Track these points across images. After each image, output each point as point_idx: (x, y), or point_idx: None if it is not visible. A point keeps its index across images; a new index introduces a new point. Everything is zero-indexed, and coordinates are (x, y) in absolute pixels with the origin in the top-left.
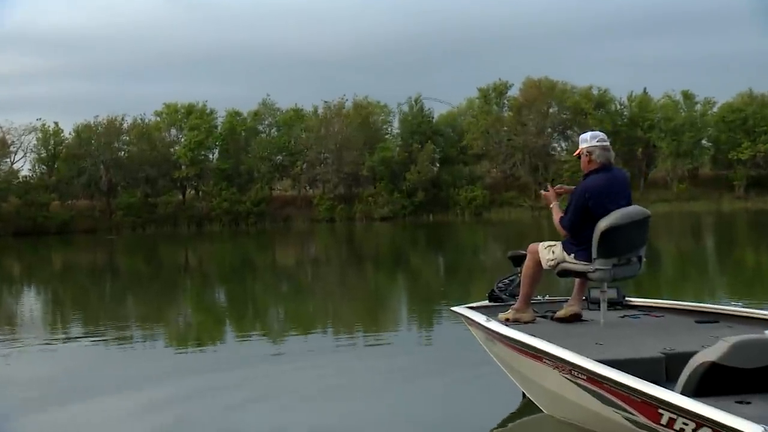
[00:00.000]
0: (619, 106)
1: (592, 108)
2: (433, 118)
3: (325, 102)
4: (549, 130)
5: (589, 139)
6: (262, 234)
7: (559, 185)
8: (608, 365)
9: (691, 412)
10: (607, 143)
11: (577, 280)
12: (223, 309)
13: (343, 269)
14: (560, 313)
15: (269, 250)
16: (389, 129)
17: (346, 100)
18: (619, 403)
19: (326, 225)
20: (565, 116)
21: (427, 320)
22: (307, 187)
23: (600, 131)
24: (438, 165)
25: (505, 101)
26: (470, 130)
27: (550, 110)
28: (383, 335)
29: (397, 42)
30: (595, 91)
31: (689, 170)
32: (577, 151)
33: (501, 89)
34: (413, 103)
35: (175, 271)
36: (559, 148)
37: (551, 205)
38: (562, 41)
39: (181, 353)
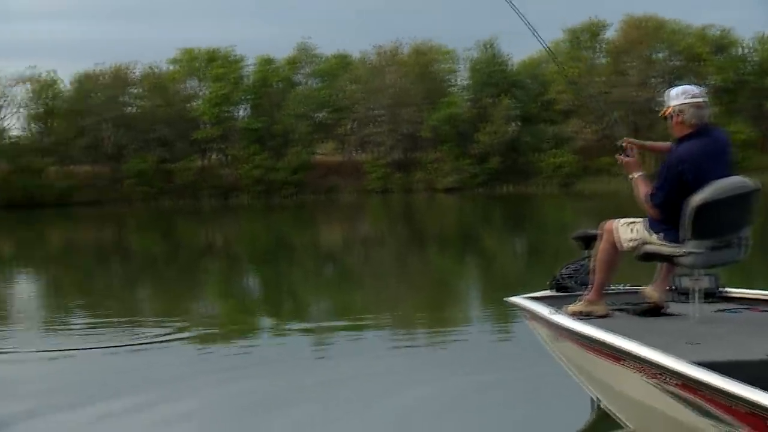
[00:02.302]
0: (745, 50)
1: (710, 52)
2: (510, 65)
3: (377, 47)
4: (654, 80)
5: (678, 96)
6: (300, 208)
7: (628, 139)
8: (705, 368)
9: None
10: (702, 99)
11: (663, 265)
12: (254, 300)
13: (400, 252)
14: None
15: (309, 227)
16: (456, 80)
17: (403, 44)
18: (720, 414)
19: (378, 197)
20: (675, 63)
21: (486, 314)
22: (356, 152)
23: (695, 85)
24: (517, 124)
25: (600, 45)
26: (556, 80)
27: (657, 56)
28: (437, 333)
29: None
30: (714, 32)
31: None
32: (665, 111)
33: (595, 30)
34: (485, 47)
35: (196, 253)
36: None
37: (633, 176)
38: None
39: (205, 353)
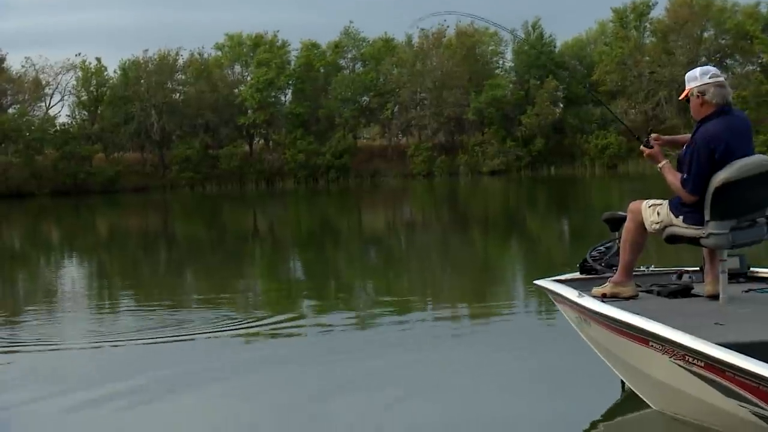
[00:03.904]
0: None
1: (759, 30)
2: (555, 47)
3: (422, 29)
4: (703, 59)
5: (699, 77)
6: (344, 192)
7: (655, 135)
8: (731, 349)
9: None
10: (722, 79)
11: (703, 251)
12: (299, 284)
13: (445, 236)
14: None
15: (354, 212)
16: (501, 62)
17: (447, 26)
18: (746, 395)
19: (423, 181)
20: (723, 41)
21: (527, 295)
22: (400, 135)
23: (713, 66)
24: (561, 105)
25: (647, 24)
26: (602, 61)
27: (705, 34)
28: (478, 315)
29: None
30: (764, 9)
31: None
32: (685, 93)
33: (642, 9)
34: (531, 28)
35: (241, 238)
36: None
37: (660, 165)
38: None
39: (251, 340)
